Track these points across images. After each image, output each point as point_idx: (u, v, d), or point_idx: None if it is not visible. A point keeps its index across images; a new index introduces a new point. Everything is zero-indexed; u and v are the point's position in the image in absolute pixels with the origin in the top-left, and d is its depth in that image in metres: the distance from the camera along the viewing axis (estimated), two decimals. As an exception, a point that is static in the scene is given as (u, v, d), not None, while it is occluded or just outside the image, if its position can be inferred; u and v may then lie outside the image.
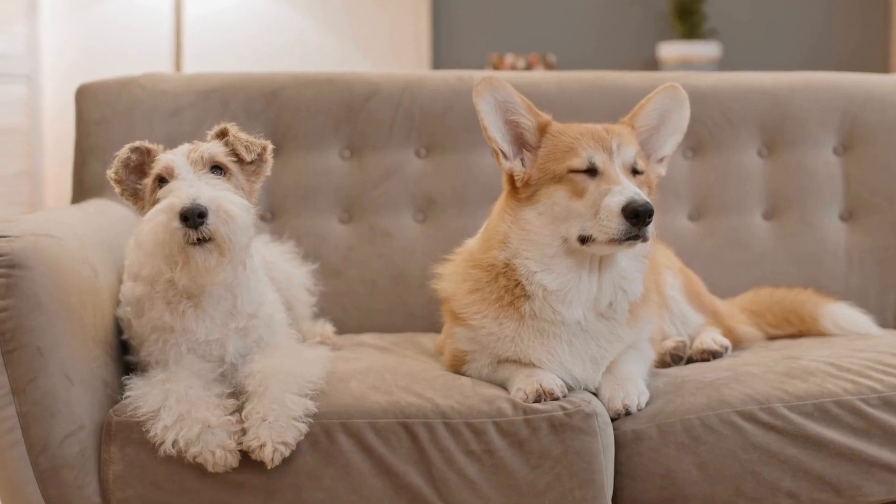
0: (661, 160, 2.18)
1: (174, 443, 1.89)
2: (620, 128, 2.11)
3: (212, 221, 1.88)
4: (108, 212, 2.55)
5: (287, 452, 1.89)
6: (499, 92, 2.08)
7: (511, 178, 2.11)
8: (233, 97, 2.79)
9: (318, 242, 2.74)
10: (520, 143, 2.11)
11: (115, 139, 2.71)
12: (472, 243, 2.22)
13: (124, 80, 2.79)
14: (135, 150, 2.04)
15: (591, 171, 2.02)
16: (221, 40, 4.77)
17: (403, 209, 2.81)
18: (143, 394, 1.97)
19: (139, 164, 2.05)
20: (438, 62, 4.96)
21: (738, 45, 4.98)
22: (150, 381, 2.01)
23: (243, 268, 2.02)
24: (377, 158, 2.81)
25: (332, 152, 2.82)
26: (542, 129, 2.10)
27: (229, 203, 1.90)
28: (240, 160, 2.05)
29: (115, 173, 2.04)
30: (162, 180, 1.98)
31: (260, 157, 2.08)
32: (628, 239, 1.96)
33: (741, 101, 2.87)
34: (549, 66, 4.86)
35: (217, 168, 2.00)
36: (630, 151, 2.05)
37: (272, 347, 2.10)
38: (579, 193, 2.01)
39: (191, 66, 4.58)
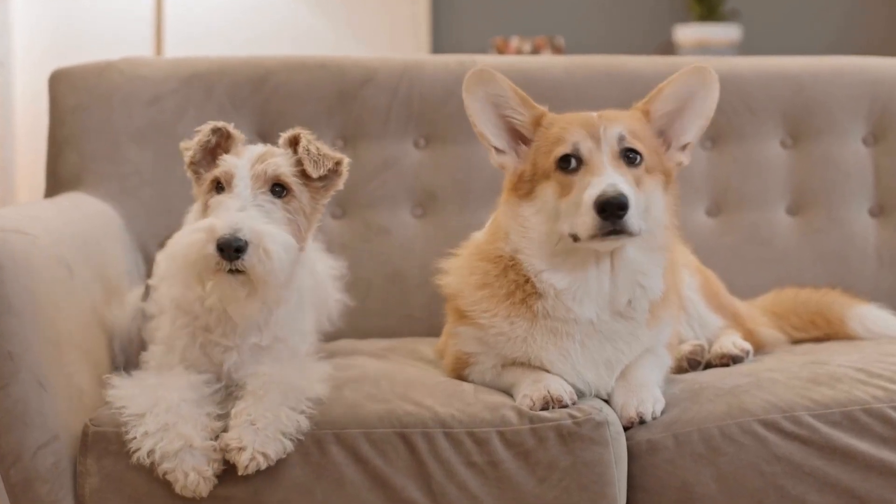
0: (683, 147, 2.16)
1: (150, 452, 1.90)
2: (618, 113, 2.10)
3: (248, 258, 1.88)
4: (85, 206, 2.55)
5: (263, 465, 1.89)
6: (490, 86, 2.09)
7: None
8: (218, 83, 2.79)
9: (310, 239, 2.73)
10: (516, 136, 2.12)
11: (92, 128, 2.71)
12: (479, 236, 2.23)
13: (101, 65, 2.78)
14: (216, 131, 2.05)
15: (578, 163, 2.02)
16: (205, 22, 4.76)
17: (401, 204, 2.81)
18: (131, 395, 1.97)
19: (216, 146, 2.05)
20: (438, 46, 4.96)
21: (760, 27, 4.97)
22: (141, 383, 2.01)
23: (276, 304, 2.02)
24: (373, 149, 2.81)
25: (325, 142, 2.79)
26: (537, 122, 2.11)
27: (272, 241, 1.90)
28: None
29: (193, 156, 2.04)
30: (219, 184, 1.99)
31: (334, 171, 2.06)
32: (607, 234, 1.95)
33: (763, 87, 2.87)
34: (556, 50, 4.85)
35: (279, 185, 1.99)
36: (615, 131, 2.03)
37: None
38: (566, 189, 2.02)
39: (172, 50, 4.57)
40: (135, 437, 1.91)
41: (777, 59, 2.94)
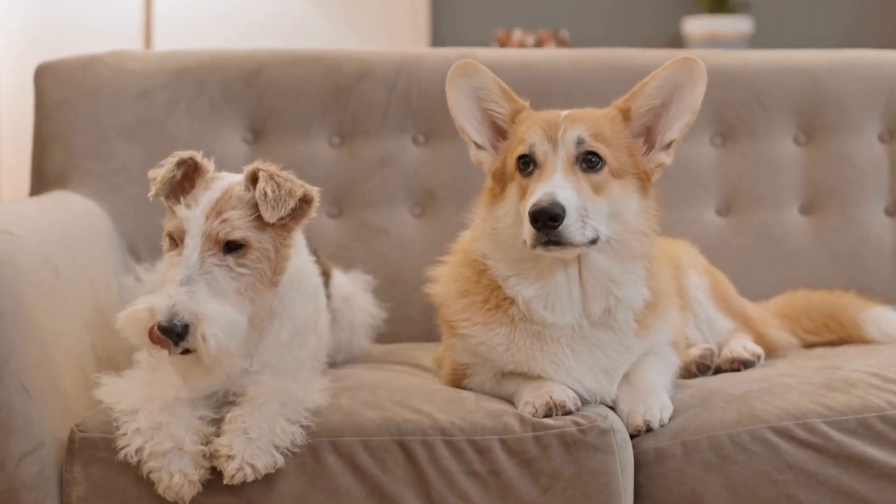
0: (667, 146, 2.12)
1: (139, 450, 1.90)
2: (586, 112, 2.08)
3: (190, 341, 1.87)
4: (71, 205, 2.55)
5: (251, 477, 1.90)
6: (473, 78, 2.10)
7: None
8: (209, 77, 2.79)
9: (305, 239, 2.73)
10: (496, 130, 2.13)
11: (78, 123, 2.71)
12: (466, 235, 2.23)
13: (88, 59, 2.79)
14: (181, 163, 2.01)
15: (534, 165, 2.02)
16: (196, 14, 4.77)
17: (399, 203, 2.81)
18: (123, 391, 1.98)
19: (184, 177, 2.02)
20: (438, 39, 4.96)
21: (771, 19, 4.98)
22: (134, 380, 2.01)
23: (236, 363, 2.00)
24: (370, 146, 2.81)
25: (320, 139, 2.82)
26: (515, 116, 2.11)
27: (210, 324, 1.87)
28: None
29: (156, 193, 2.00)
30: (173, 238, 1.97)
31: (304, 201, 2.00)
32: (546, 244, 1.94)
33: (775, 82, 2.87)
34: (561, 44, 4.86)
35: (235, 242, 1.95)
36: (574, 134, 2.01)
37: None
38: (523, 192, 2.02)
39: (162, 43, 4.57)
40: (125, 434, 1.92)
41: (789, 53, 2.94)
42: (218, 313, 1.89)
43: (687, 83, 2.09)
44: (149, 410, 1.93)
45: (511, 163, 2.06)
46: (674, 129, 2.10)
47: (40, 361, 1.99)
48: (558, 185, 1.96)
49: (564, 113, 2.07)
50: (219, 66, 2.80)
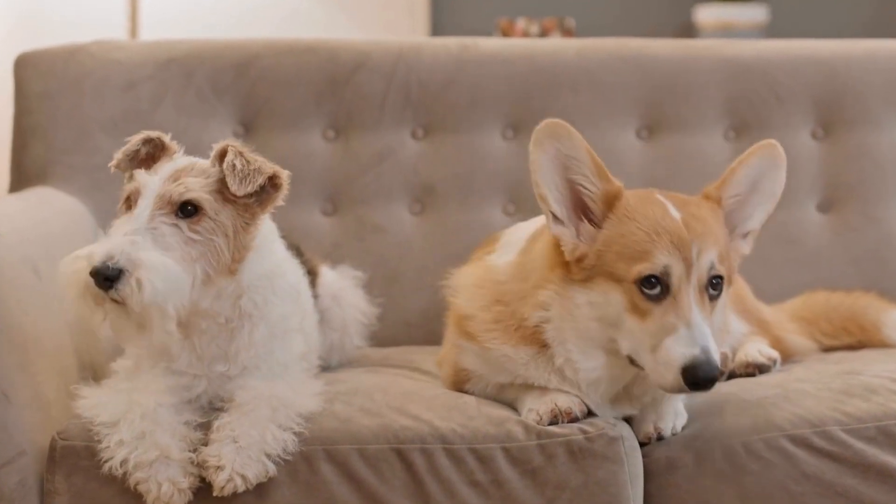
0: (746, 235, 2.08)
1: (124, 462, 1.90)
2: (704, 220, 1.98)
3: (122, 288, 1.85)
4: (53, 202, 2.56)
5: (241, 488, 1.90)
6: (564, 143, 1.97)
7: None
8: (198, 68, 2.79)
9: (298, 238, 2.73)
10: (579, 206, 2.01)
11: (60, 116, 2.72)
12: (499, 264, 2.15)
13: (71, 49, 2.79)
14: (147, 141, 2.03)
15: (662, 288, 1.91)
16: (184, 2, 4.77)
17: (397, 199, 2.81)
18: (103, 402, 1.97)
19: (149, 156, 2.04)
20: (438, 28, 4.96)
21: (787, 8, 4.98)
22: (112, 389, 2.01)
23: (171, 328, 1.96)
24: (367, 140, 2.81)
25: (314, 132, 2.82)
26: (610, 202, 1.98)
27: (147, 271, 1.86)
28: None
29: (117, 165, 2.03)
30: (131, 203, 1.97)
31: (272, 184, 2.00)
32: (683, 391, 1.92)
33: (792, 73, 2.87)
34: (566, 33, 4.86)
35: (191, 205, 1.95)
36: (707, 260, 1.93)
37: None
38: (641, 312, 1.91)
39: (148, 33, 4.57)
40: (108, 447, 1.91)
41: (807, 43, 2.95)
42: (159, 263, 1.88)
43: (770, 170, 2.07)
44: (130, 420, 1.92)
45: (624, 272, 1.93)
46: (755, 218, 2.08)
47: (20, 366, 1.99)
48: (704, 332, 1.88)
49: (677, 215, 1.96)
50: (208, 56, 2.81)
